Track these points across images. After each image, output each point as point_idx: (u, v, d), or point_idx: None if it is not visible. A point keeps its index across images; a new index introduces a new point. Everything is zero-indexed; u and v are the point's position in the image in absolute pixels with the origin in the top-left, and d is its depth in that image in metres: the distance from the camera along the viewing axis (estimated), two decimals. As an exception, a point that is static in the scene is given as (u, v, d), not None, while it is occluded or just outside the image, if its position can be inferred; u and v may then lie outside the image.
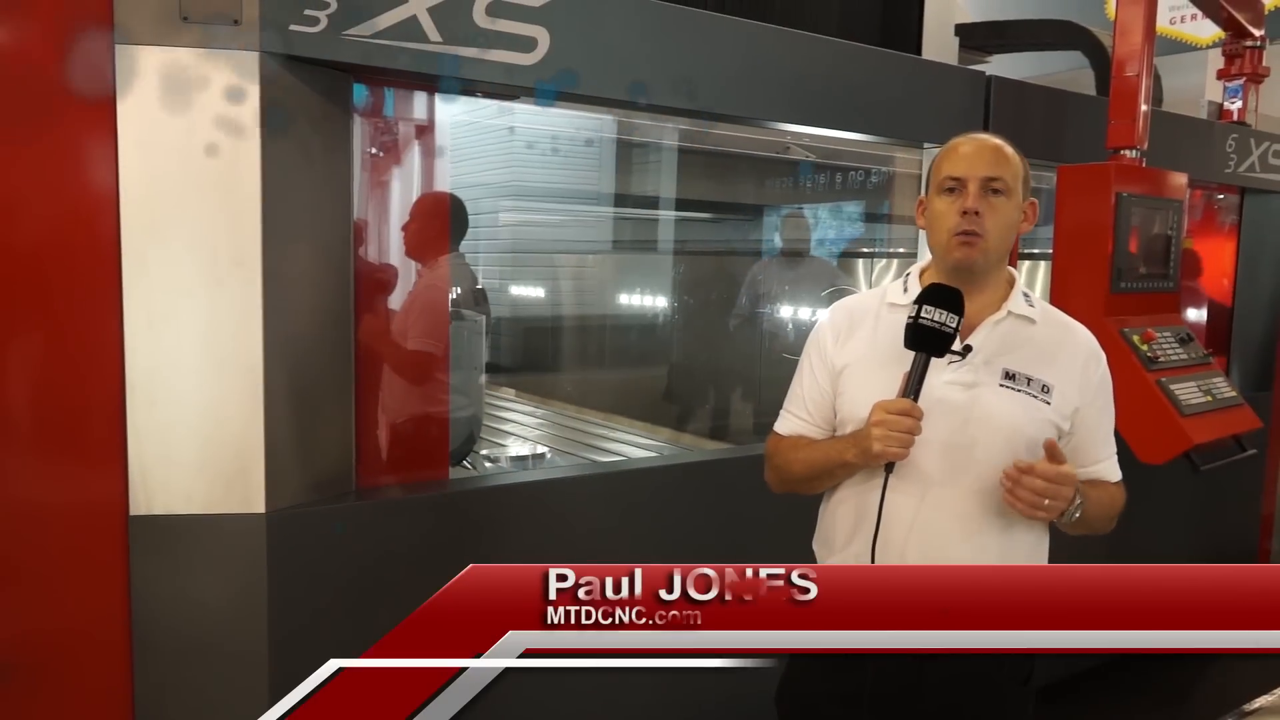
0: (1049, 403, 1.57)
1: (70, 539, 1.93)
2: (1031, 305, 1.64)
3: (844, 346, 1.65)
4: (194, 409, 1.93)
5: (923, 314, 1.48)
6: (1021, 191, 1.60)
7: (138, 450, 1.92)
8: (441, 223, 2.42)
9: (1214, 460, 2.87)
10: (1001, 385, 1.57)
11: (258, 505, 1.97)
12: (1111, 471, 1.68)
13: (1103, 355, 1.65)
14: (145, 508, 1.94)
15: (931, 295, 1.50)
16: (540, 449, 3.52)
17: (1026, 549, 1.61)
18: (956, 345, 1.53)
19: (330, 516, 2.08)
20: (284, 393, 1.98)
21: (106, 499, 1.92)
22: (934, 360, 1.51)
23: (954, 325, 1.48)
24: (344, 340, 2.11)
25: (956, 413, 1.55)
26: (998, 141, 1.59)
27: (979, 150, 1.57)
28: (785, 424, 1.72)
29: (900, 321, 1.53)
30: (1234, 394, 3.05)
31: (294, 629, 2.01)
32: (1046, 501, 1.48)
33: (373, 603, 2.06)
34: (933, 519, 1.56)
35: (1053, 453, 1.50)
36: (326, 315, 2.07)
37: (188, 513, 1.95)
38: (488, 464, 3.26)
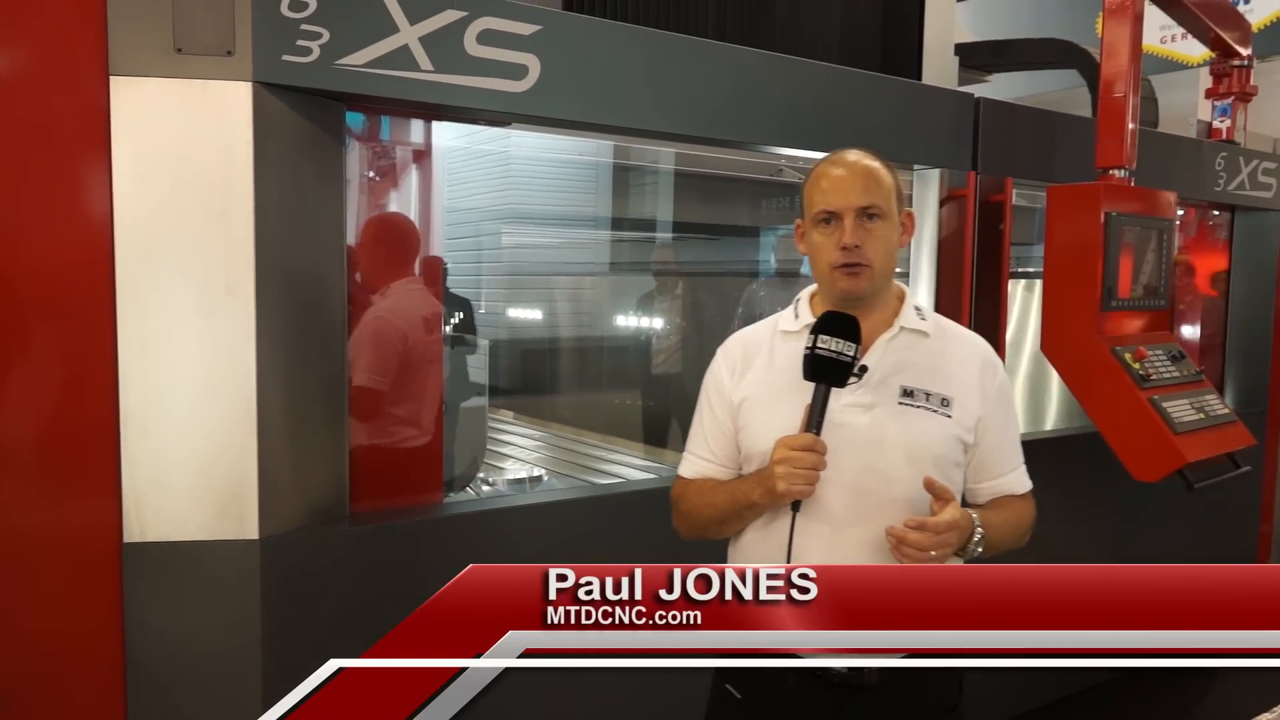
0: (950, 416, 1.52)
1: (64, 566, 1.94)
2: (923, 318, 1.59)
3: (740, 380, 1.59)
4: (188, 436, 1.94)
5: (819, 344, 1.44)
6: (896, 207, 1.55)
7: (131, 477, 1.92)
8: (398, 247, 2.39)
9: (1208, 478, 2.87)
10: (900, 403, 1.52)
11: (251, 531, 1.97)
12: (1019, 483, 1.62)
13: (999, 363, 1.61)
14: (139, 535, 1.94)
15: (827, 324, 1.45)
16: (537, 471, 3.53)
17: None
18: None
19: (324, 542, 2.09)
20: (278, 419, 1.99)
21: (100, 526, 1.92)
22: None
23: (851, 354, 1.43)
24: (337, 366, 2.12)
25: (858, 436, 1.50)
26: (867, 163, 1.53)
27: (850, 179, 1.51)
28: (688, 466, 1.65)
29: (794, 349, 1.49)
30: (1227, 411, 3.06)
31: (288, 654, 2.01)
32: (933, 553, 1.41)
33: (367, 627, 2.05)
34: (846, 548, 1.50)
35: (935, 491, 1.44)
36: (319, 342, 2.08)
37: (182, 539, 1.95)
38: (485, 487, 3.27)
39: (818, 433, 1.43)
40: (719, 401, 1.62)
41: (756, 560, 1.54)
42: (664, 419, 4.60)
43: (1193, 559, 3.97)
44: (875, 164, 1.54)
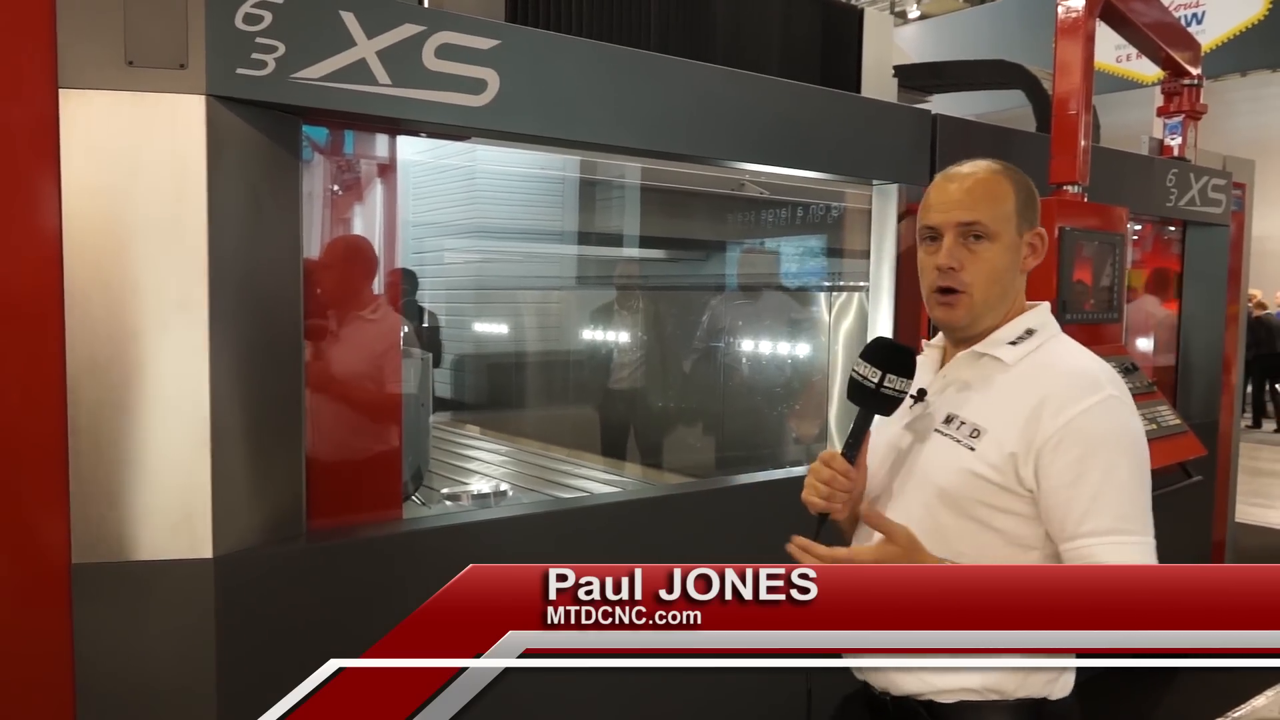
0: (974, 449, 1.35)
1: (10, 588, 1.89)
2: (1016, 344, 1.39)
3: None
4: (138, 453, 1.91)
5: (854, 368, 1.40)
6: (1016, 227, 1.39)
7: (80, 496, 1.89)
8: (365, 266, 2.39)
9: (1160, 488, 2.91)
10: (936, 430, 1.41)
11: (205, 550, 1.94)
12: (1106, 556, 1.28)
13: (1084, 402, 1.32)
14: (89, 555, 1.90)
15: (872, 351, 1.39)
16: (503, 486, 3.50)
17: None
18: (913, 389, 1.41)
19: (280, 559, 2.06)
20: (231, 435, 1.96)
21: (48, 546, 1.88)
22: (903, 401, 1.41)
23: (875, 381, 1.36)
24: (293, 381, 2.10)
25: (898, 460, 1.45)
26: (981, 175, 1.40)
27: (955, 192, 1.39)
28: None
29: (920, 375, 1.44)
30: (1179, 422, 3.12)
31: (243, 676, 1.98)
32: None
33: (325, 647, 2.03)
34: None
35: (870, 522, 1.35)
36: (275, 357, 2.05)
37: (133, 559, 1.92)
38: (447, 503, 3.24)
39: (847, 453, 1.39)
40: None
41: None
42: (627, 433, 4.61)
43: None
44: (991, 176, 1.40)
